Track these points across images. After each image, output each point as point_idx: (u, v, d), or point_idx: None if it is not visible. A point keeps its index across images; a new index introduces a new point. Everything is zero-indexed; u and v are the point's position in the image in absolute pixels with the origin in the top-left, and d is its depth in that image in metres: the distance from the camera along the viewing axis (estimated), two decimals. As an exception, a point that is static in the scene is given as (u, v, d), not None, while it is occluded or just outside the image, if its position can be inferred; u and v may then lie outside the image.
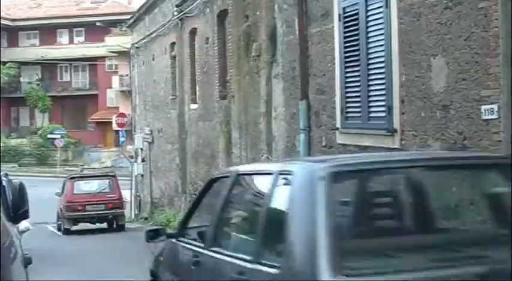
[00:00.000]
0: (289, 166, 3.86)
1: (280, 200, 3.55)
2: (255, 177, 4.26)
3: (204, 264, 4.22)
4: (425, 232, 3.59)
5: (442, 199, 3.88)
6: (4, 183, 4.53)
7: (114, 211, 18.71)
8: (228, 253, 3.94)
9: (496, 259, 3.20)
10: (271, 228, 3.54)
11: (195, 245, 4.52)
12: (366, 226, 3.59)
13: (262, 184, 3.95)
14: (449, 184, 3.93)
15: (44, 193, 24.78)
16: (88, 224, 17.91)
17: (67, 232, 17.58)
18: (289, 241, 3.26)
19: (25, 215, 4.30)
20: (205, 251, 4.25)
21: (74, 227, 17.78)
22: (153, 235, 5.07)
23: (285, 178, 3.57)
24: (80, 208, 17.66)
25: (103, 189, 18.48)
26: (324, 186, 3.23)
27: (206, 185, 5.06)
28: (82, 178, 19.80)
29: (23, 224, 10.45)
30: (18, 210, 4.21)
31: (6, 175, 8.06)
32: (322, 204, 3.16)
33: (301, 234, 3.21)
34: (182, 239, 4.90)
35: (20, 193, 4.26)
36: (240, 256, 3.74)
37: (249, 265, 3.56)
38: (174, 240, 5.02)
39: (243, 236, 4.12)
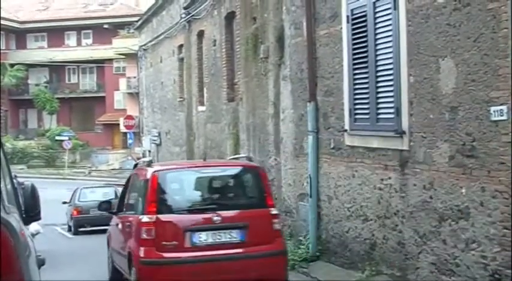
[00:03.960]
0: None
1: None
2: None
3: None
4: None
5: None
6: (15, 185, 4.55)
7: None
8: None
9: None
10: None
11: None
12: None
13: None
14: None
15: (53, 195, 24.89)
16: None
17: None
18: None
19: (37, 217, 4.31)
20: None
21: None
22: None
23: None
24: None
25: None
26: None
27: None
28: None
29: (33, 227, 10.52)
30: (30, 212, 4.22)
31: (15, 176, 8.12)
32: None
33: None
34: None
35: (32, 194, 4.27)
36: None
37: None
38: None
39: None
